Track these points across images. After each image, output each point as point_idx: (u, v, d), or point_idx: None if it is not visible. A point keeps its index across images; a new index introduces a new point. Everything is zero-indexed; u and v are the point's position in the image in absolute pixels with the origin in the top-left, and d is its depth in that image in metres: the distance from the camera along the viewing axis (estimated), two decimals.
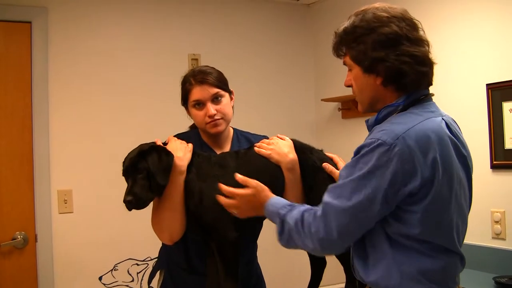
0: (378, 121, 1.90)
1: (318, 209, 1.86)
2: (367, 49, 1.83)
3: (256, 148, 2.35)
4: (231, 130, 2.59)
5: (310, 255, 2.48)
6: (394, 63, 1.80)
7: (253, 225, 2.48)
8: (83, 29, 4.06)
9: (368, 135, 1.85)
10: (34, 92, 3.84)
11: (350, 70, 1.96)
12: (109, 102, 4.12)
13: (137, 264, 4.13)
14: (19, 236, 3.72)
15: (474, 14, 3.46)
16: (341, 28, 1.94)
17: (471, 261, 2.13)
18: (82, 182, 3.98)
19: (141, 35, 4.27)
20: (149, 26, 4.31)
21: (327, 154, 2.41)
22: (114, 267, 4.05)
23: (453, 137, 1.82)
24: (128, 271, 4.10)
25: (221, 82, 2.45)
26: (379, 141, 1.72)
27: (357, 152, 1.79)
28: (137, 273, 4.13)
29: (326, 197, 1.84)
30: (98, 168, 3.99)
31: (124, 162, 2.19)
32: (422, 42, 1.86)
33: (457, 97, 3.52)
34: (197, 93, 2.39)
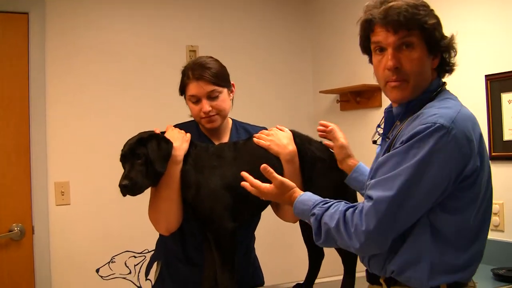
0: (410, 108, 1.88)
1: (364, 205, 1.76)
2: (439, 29, 1.88)
3: (255, 139, 2.35)
4: (230, 121, 2.58)
5: (308, 247, 2.47)
6: (455, 45, 1.91)
7: (251, 217, 2.48)
8: (80, 20, 4.03)
9: (409, 123, 1.80)
10: (31, 83, 3.82)
11: (408, 48, 1.83)
12: (106, 94, 4.10)
13: (135, 257, 4.12)
14: (16, 228, 3.71)
15: (474, 5, 3.45)
16: (405, 4, 1.81)
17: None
18: (79, 174, 3.97)
19: (138, 27, 4.25)
20: (147, 17, 4.29)
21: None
22: (111, 259, 4.04)
23: None
24: (125, 264, 4.09)
25: (219, 78, 2.42)
26: (437, 124, 1.67)
27: (409, 138, 1.71)
28: (135, 265, 4.12)
29: (376, 192, 1.73)
30: (96, 160, 3.98)
31: (123, 148, 2.19)
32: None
33: (455, 88, 3.45)
34: (193, 89, 2.38)
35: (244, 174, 2.10)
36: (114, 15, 4.17)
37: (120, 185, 2.10)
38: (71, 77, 3.98)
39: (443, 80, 1.96)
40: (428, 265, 1.75)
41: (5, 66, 3.76)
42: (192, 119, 2.56)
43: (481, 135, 1.79)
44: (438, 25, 1.86)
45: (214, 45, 4.45)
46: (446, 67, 1.94)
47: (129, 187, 2.10)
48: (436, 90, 1.88)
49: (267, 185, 2.05)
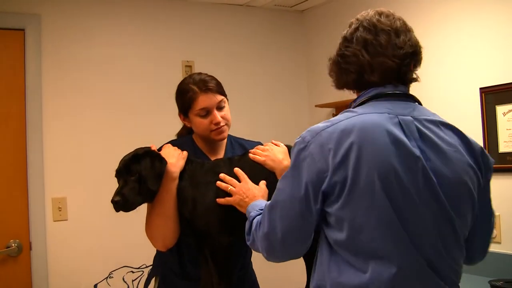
0: None
1: None
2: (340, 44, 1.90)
3: (250, 155, 2.36)
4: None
5: (306, 260, 2.47)
6: (335, 59, 1.88)
7: None
8: (76, 36, 4.05)
9: None
10: (27, 99, 3.83)
11: None
12: (103, 109, 4.11)
13: (132, 272, 4.12)
14: (13, 244, 3.70)
15: (468, 18, 3.47)
16: None
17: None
18: (76, 189, 3.97)
19: (134, 42, 4.27)
20: (143, 33, 4.31)
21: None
22: (109, 275, 4.03)
23: (401, 136, 1.65)
24: (123, 279, 4.09)
25: (222, 89, 2.48)
26: (299, 138, 1.75)
27: None
28: (132, 280, 4.11)
29: None
30: (93, 175, 3.98)
31: (118, 164, 2.21)
32: (359, 43, 1.80)
33: (450, 101, 3.53)
34: (204, 101, 2.39)
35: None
36: (111, 31, 4.19)
37: (112, 201, 2.12)
38: (67, 93, 3.99)
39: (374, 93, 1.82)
40: (329, 284, 1.71)
41: (1, 82, 3.77)
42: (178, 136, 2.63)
43: (351, 146, 1.62)
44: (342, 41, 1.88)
45: (210, 60, 4.47)
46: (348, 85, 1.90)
47: (120, 204, 2.12)
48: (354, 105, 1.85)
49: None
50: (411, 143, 1.66)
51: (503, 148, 3.24)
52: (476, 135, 3.33)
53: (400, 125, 1.68)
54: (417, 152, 1.65)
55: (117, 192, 2.14)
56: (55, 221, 3.89)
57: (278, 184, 1.80)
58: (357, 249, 1.65)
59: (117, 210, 2.14)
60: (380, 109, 1.72)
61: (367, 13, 1.85)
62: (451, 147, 1.72)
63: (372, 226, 1.62)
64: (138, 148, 2.26)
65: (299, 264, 2.46)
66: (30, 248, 3.78)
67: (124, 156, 2.23)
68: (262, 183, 2.25)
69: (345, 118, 1.71)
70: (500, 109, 3.26)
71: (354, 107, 1.81)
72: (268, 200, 2.03)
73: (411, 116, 1.72)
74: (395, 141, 1.64)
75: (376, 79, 1.79)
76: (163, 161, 2.23)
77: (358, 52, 1.79)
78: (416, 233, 1.63)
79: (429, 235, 1.65)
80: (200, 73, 2.50)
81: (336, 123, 1.70)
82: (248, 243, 1.97)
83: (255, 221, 1.92)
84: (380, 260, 1.62)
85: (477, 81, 3.39)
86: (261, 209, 1.97)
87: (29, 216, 3.80)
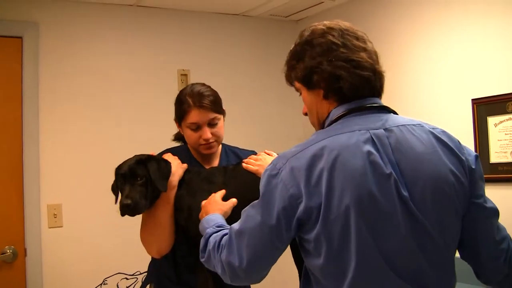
0: None
1: None
2: (306, 62, 1.81)
3: (244, 164, 2.38)
4: (220, 145, 2.62)
5: (298, 267, 2.49)
6: (327, 68, 1.71)
7: None
8: (74, 44, 4.08)
9: None
10: (24, 106, 3.85)
11: (301, 95, 1.88)
12: (99, 117, 4.13)
13: (127, 279, 4.13)
14: (8, 251, 3.71)
15: (460, 31, 3.50)
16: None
17: (463, 275, 2.09)
18: (71, 196, 3.98)
19: (131, 51, 4.29)
20: (139, 42, 4.34)
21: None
22: (103, 281, 4.04)
23: (373, 154, 1.58)
24: (117, 286, 4.09)
25: (218, 105, 2.47)
26: (271, 165, 1.70)
27: None
28: (127, 287, 4.12)
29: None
30: (88, 182, 4.00)
31: (119, 169, 2.21)
32: (361, 50, 1.73)
33: (442, 112, 3.56)
34: (195, 116, 2.40)
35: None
36: (107, 40, 4.21)
37: (123, 204, 2.11)
38: (64, 100, 4.01)
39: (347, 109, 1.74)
40: None
41: None
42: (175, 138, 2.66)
43: (322, 171, 1.57)
44: (307, 57, 1.85)
45: (205, 69, 4.50)
46: (332, 94, 1.75)
47: (131, 207, 2.12)
48: (329, 122, 1.75)
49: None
50: (383, 159, 1.58)
51: (494, 158, 3.27)
52: (467, 146, 3.37)
53: (372, 140, 1.61)
54: (388, 169, 1.57)
55: (127, 196, 2.14)
56: (50, 227, 3.90)
57: (248, 211, 1.73)
58: (335, 275, 1.59)
59: (124, 214, 2.14)
60: (351, 127, 1.65)
61: (337, 23, 1.84)
62: (427, 156, 1.62)
63: (348, 251, 1.55)
64: (138, 155, 2.28)
65: (293, 268, 2.48)
66: (25, 255, 3.79)
67: (126, 161, 2.23)
68: (231, 201, 2.22)
69: (315, 142, 1.65)
70: (492, 120, 3.29)
71: (327, 125, 1.75)
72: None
73: (383, 129, 1.65)
74: (366, 160, 1.57)
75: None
76: (168, 163, 2.26)
77: (367, 59, 1.75)
78: (396, 256, 1.56)
79: (410, 258, 1.58)
80: (201, 84, 2.51)
81: (307, 147, 1.64)
82: (202, 260, 1.90)
83: (211, 239, 1.86)
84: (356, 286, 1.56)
85: (469, 93, 3.42)
86: (218, 226, 1.94)
87: (24, 222, 3.81)
